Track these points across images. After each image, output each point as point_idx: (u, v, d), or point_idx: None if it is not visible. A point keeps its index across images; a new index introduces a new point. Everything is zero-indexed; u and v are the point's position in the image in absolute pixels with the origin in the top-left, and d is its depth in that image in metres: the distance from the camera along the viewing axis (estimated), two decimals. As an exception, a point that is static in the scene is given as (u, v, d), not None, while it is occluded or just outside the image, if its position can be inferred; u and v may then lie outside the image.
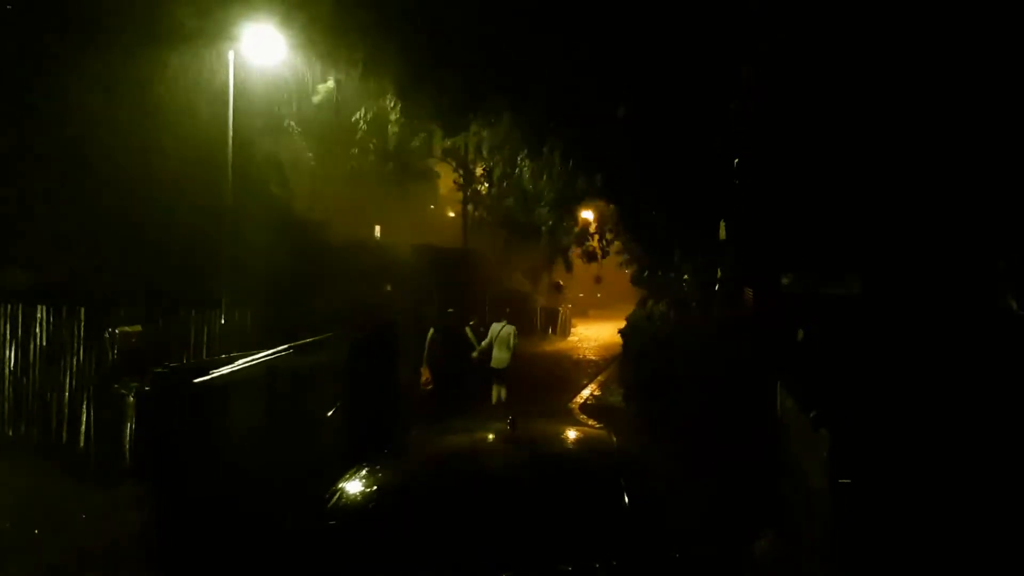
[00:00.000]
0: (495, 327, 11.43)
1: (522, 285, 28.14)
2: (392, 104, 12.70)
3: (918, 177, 6.93)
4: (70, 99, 10.52)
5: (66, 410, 8.49)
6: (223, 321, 10.04)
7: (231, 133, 10.78)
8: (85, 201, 10.58)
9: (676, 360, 9.51)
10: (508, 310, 12.26)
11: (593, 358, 22.54)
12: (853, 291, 7.42)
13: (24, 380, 8.83)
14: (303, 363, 6.40)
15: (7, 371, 8.94)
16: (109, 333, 8.32)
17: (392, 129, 14.39)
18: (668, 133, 9.67)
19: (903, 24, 6.90)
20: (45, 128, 10.54)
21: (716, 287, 10.09)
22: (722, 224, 9.60)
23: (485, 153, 15.21)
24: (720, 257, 9.78)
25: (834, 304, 7.43)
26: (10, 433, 8.87)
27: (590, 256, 27.40)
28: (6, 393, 8.94)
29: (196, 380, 5.10)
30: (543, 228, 22.50)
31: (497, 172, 25.14)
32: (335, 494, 3.44)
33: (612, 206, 14.83)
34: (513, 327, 11.46)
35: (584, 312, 41.56)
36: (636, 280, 13.01)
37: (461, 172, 26.10)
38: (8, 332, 8.93)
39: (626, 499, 3.23)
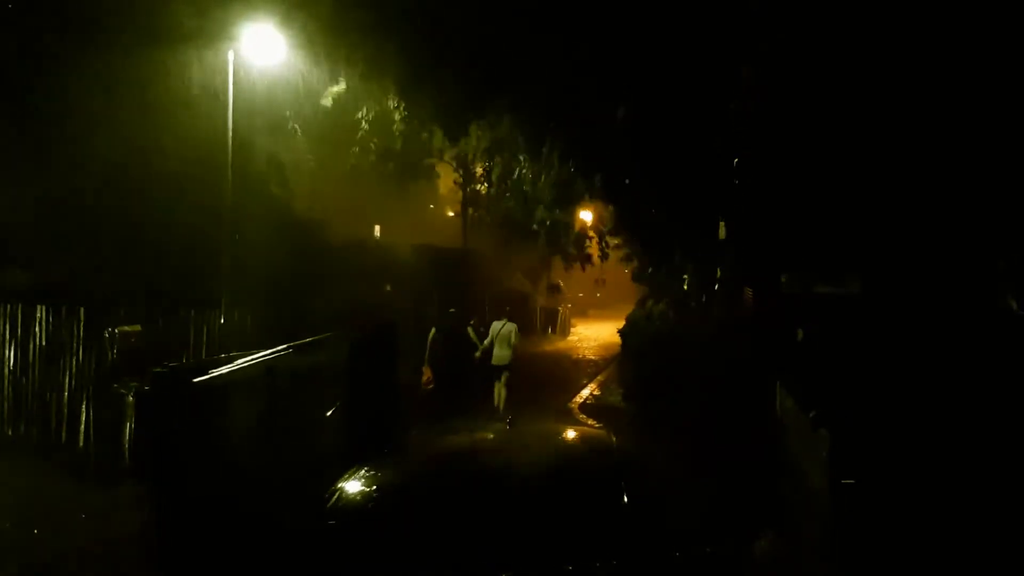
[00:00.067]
0: (495, 325, 11.43)
1: (522, 285, 28.12)
2: (396, 104, 12.71)
3: (918, 177, 6.94)
4: (70, 99, 10.52)
5: (66, 410, 8.49)
6: (223, 321, 10.04)
7: (231, 133, 10.77)
8: (85, 201, 10.59)
9: (676, 360, 9.50)
10: (508, 309, 12.25)
11: (592, 358, 22.53)
12: (850, 290, 7.42)
13: (24, 380, 8.83)
14: (303, 363, 6.38)
15: (7, 371, 8.94)
16: (109, 333, 8.32)
17: (398, 128, 14.40)
18: (668, 133, 9.68)
19: (903, 25, 6.91)
20: (45, 128, 10.55)
21: (716, 287, 10.10)
22: (722, 224, 9.61)
23: (480, 153, 15.25)
24: (720, 257, 9.79)
25: (834, 304, 7.43)
26: (10, 433, 8.88)
27: (587, 259, 27.49)
28: (6, 393, 8.94)
29: (196, 380, 5.09)
30: (540, 229, 22.56)
31: (497, 172, 25.27)
32: (335, 494, 3.45)
33: (611, 207, 14.83)
34: (514, 325, 11.46)
35: (584, 312, 41.52)
36: (637, 277, 13.02)
37: (461, 172, 26.13)
38: (8, 332, 8.93)
39: (626, 499, 3.24)
